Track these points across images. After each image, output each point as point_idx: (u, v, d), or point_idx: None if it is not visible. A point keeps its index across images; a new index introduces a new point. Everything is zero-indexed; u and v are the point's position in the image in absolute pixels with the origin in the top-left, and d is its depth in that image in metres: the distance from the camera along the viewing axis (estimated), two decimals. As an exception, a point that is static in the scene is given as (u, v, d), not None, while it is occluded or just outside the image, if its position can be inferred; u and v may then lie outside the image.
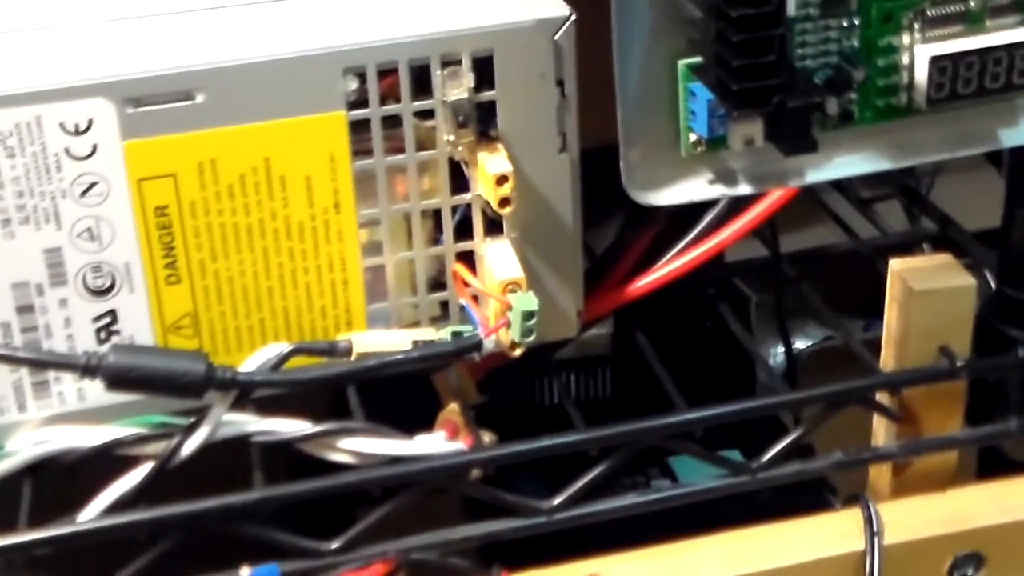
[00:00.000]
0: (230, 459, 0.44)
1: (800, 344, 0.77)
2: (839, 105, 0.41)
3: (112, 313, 0.44)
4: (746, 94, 0.38)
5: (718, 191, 0.43)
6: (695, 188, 0.43)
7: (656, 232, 0.53)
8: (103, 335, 0.45)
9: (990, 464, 0.53)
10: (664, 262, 0.52)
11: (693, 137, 0.42)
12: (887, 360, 0.49)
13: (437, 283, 0.48)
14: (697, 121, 0.41)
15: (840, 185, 0.62)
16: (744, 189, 0.43)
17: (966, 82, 0.40)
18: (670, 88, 0.41)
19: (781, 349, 0.76)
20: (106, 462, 0.44)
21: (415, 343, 0.45)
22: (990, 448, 0.52)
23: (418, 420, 0.48)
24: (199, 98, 0.43)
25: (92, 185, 0.43)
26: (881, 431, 0.50)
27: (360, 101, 0.44)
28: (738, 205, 0.52)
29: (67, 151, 0.42)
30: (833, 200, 0.62)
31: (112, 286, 0.44)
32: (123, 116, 0.42)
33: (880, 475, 0.51)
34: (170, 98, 0.42)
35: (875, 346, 0.75)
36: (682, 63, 0.41)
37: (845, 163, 0.43)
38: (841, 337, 0.52)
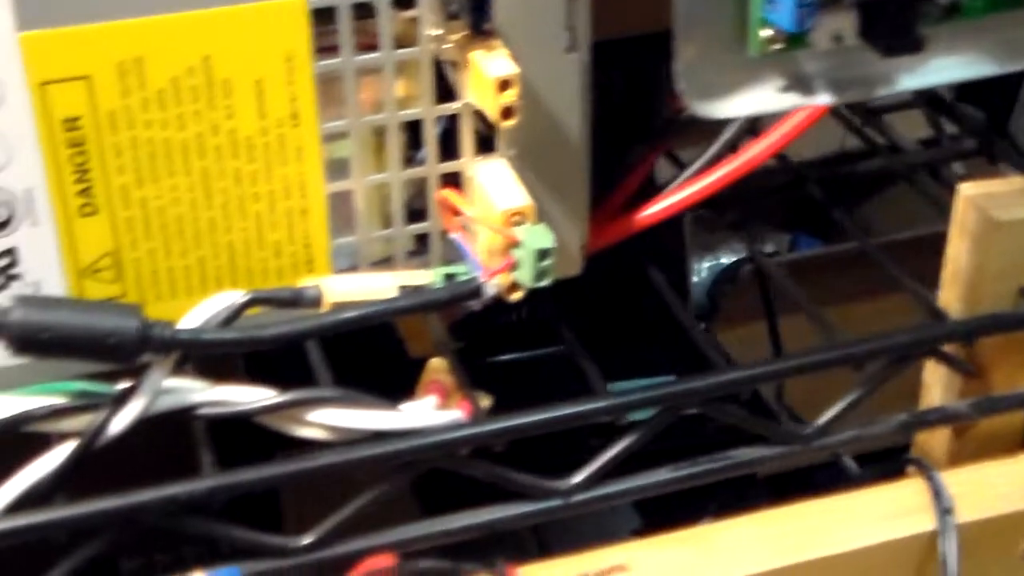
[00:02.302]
0: (171, 437, 0.36)
1: (725, 259, 0.75)
2: (951, -8, 0.34)
3: (10, 253, 0.38)
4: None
5: (791, 101, 0.36)
6: (764, 97, 0.37)
7: (663, 152, 0.46)
8: (0, 280, 0.38)
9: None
10: (676, 187, 0.45)
11: (767, 32, 0.36)
12: (950, 302, 0.43)
13: (412, 212, 0.42)
14: (778, 10, 0.34)
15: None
16: (823, 98, 0.37)
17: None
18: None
19: (705, 264, 0.75)
20: (10, 442, 0.36)
21: (401, 289, 0.37)
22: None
23: (375, 373, 0.40)
24: (120, -23, 0.36)
25: None
26: (937, 387, 0.44)
27: (325, -17, 0.38)
28: (758, 122, 0.45)
29: (-56, 44, 0.36)
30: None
31: (10, 219, 0.38)
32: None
33: (933, 438, 0.44)
34: (82, -24, 0.35)
35: (802, 265, 0.71)
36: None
37: (944, 66, 0.38)
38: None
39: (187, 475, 0.36)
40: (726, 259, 0.74)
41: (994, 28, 0.38)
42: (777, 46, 0.36)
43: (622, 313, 0.56)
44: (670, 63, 0.36)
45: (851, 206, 0.68)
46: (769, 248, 0.80)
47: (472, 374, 0.41)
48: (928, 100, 0.53)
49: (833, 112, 0.55)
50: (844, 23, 0.35)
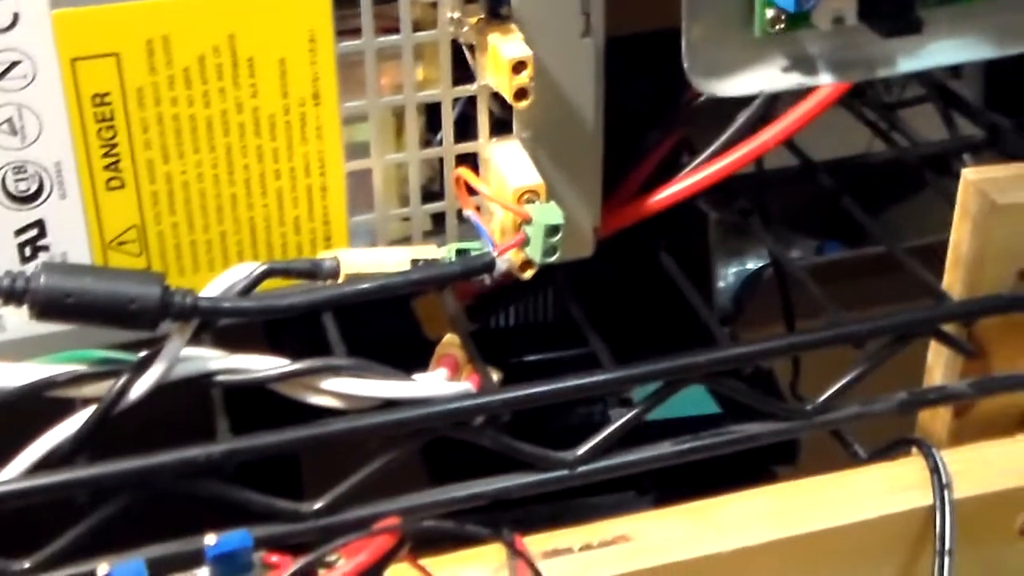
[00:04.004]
0: (189, 403, 0.37)
1: (751, 265, 0.75)
2: (949, -26, 0.35)
3: (39, 224, 0.39)
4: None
5: (794, 80, 0.37)
6: (767, 76, 0.37)
7: (679, 137, 0.46)
8: (28, 251, 0.39)
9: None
10: (691, 170, 0.46)
11: (771, 12, 0.36)
12: (952, 285, 0.43)
13: (429, 192, 0.43)
14: None
15: (858, 86, 0.56)
16: (825, 78, 0.38)
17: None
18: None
19: (732, 270, 0.75)
20: (34, 407, 0.37)
21: (414, 262, 0.38)
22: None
23: (391, 352, 0.41)
24: (149, -43, 0.36)
25: (13, 64, 0.37)
26: (939, 367, 0.44)
27: (348, -33, 0.38)
28: (772, 106, 0.45)
29: (-20, 22, 0.37)
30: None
31: (39, 191, 0.38)
32: None
33: (935, 418, 0.45)
34: (112, -44, 0.36)
35: (826, 270, 0.71)
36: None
37: (944, 49, 0.38)
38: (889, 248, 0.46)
39: (200, 440, 0.37)
40: (752, 264, 0.75)
41: (993, 11, 0.38)
42: (780, 26, 0.37)
43: (645, 316, 0.56)
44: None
45: (879, 212, 0.69)
46: (796, 254, 0.81)
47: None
48: (940, 94, 0.54)
49: (849, 107, 0.55)
50: (845, 4, 0.36)
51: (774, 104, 0.46)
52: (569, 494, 0.43)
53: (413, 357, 0.42)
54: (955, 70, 0.74)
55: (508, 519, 0.39)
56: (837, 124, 0.56)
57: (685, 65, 0.36)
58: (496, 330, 0.60)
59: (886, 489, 0.42)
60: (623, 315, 0.58)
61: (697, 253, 0.57)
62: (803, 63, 0.37)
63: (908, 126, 0.54)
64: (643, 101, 0.49)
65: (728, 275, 0.76)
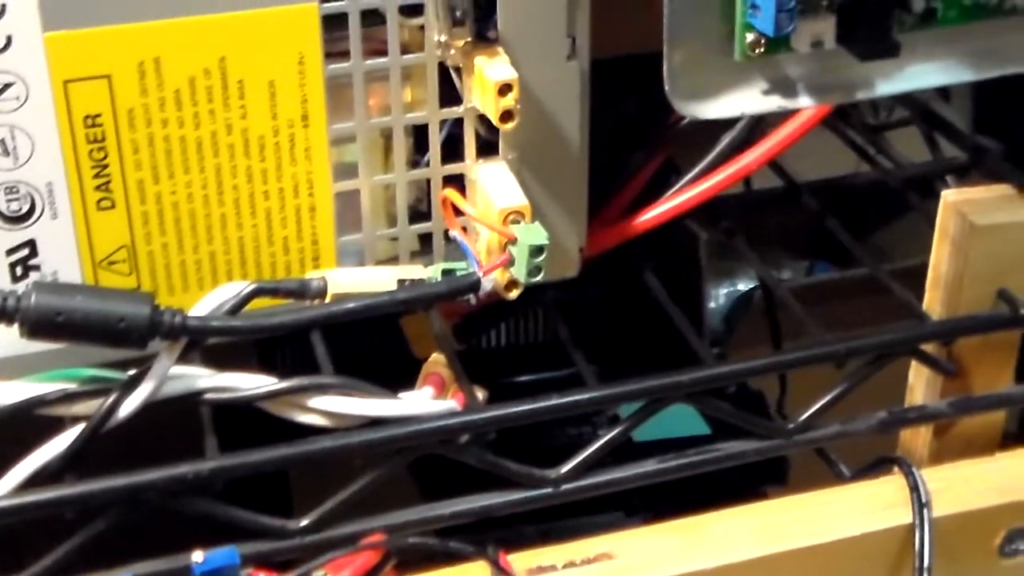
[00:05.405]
0: (176, 422, 0.37)
1: (742, 286, 0.74)
2: (925, 0, 0.35)
3: (30, 244, 0.39)
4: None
5: (774, 103, 0.37)
6: (748, 99, 0.38)
7: (664, 158, 0.47)
8: (19, 271, 0.39)
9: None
10: (675, 191, 0.46)
11: (751, 37, 0.37)
12: (932, 305, 0.44)
13: (416, 213, 0.43)
14: (761, 16, 0.35)
15: (842, 108, 0.56)
16: (804, 101, 0.38)
17: (1074, -24, 0.35)
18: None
19: (723, 291, 0.74)
20: (24, 425, 0.37)
21: (401, 282, 0.38)
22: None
23: (380, 371, 0.41)
24: (140, -19, 0.37)
25: (6, 87, 0.37)
26: (920, 387, 0.45)
27: (336, -9, 0.39)
28: (757, 129, 0.46)
29: (-27, 44, 0.37)
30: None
31: (31, 211, 0.39)
32: (44, 1, 0.37)
33: (916, 437, 0.45)
34: (104, -20, 0.37)
35: (813, 291, 0.72)
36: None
37: (921, 72, 0.39)
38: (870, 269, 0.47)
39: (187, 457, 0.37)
40: (743, 286, 0.75)
41: (969, 37, 0.39)
42: (760, 50, 0.37)
43: (636, 336, 0.57)
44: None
45: (870, 233, 0.70)
46: (786, 275, 0.81)
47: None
48: (924, 117, 0.54)
49: (834, 129, 0.56)
50: (823, 28, 0.36)
51: (758, 126, 0.47)
52: (559, 515, 0.43)
53: (402, 376, 0.42)
54: (944, 93, 0.74)
55: (494, 537, 0.39)
56: (828, 145, 0.57)
57: (667, 88, 0.36)
58: (489, 350, 0.60)
59: (867, 507, 0.42)
60: (615, 335, 0.59)
61: (688, 274, 0.57)
62: (783, 86, 0.38)
63: (893, 148, 0.55)
64: (630, 122, 0.50)
65: (719, 296, 0.76)
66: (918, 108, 0.54)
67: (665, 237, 0.50)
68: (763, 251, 0.75)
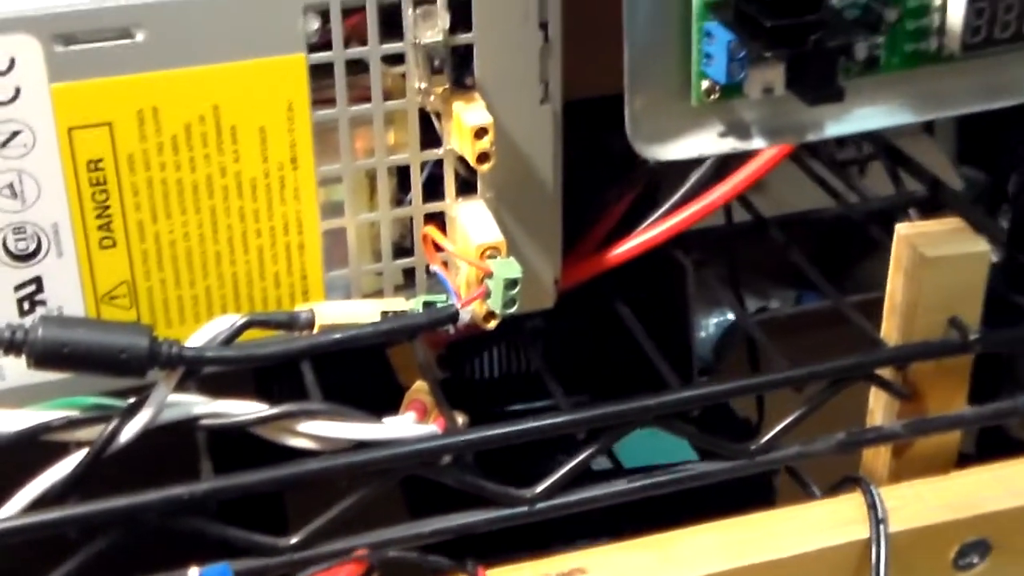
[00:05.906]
0: (173, 447, 0.39)
1: (732, 316, 0.76)
2: (867, 49, 0.37)
3: (37, 281, 0.41)
4: (779, 33, 0.34)
5: (729, 145, 0.39)
6: (705, 141, 0.40)
7: (636, 194, 0.49)
8: (26, 305, 0.41)
9: (986, 444, 0.50)
10: (647, 226, 0.49)
11: (706, 84, 0.39)
12: (890, 333, 0.46)
13: (400, 249, 0.45)
14: (714, 65, 0.37)
15: (812, 145, 0.59)
16: (758, 143, 0.40)
17: (1004, 26, 0.37)
18: (682, 28, 0.38)
19: (713, 320, 0.76)
20: (30, 450, 0.39)
21: (384, 314, 0.40)
22: (990, 428, 0.49)
23: (368, 399, 0.43)
24: (139, 36, 0.39)
25: (15, 134, 0.39)
26: (879, 410, 0.47)
27: (322, 43, 0.41)
28: (725, 166, 0.48)
29: (-15, 95, 0.39)
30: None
31: (37, 250, 0.41)
32: (51, 55, 0.39)
33: (877, 457, 0.48)
34: (105, 35, 0.39)
35: (797, 321, 0.74)
36: (698, 0, 0.37)
37: (867, 115, 0.40)
38: (833, 301, 0.48)
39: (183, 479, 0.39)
40: (733, 315, 0.76)
41: (911, 81, 0.41)
42: (715, 96, 0.39)
43: (616, 366, 0.58)
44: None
45: (853, 265, 0.71)
46: (774, 304, 0.83)
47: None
48: (887, 153, 0.57)
49: (800, 164, 0.58)
50: (773, 76, 0.38)
51: (726, 163, 0.49)
52: (544, 538, 0.45)
53: (389, 403, 0.44)
54: (928, 127, 0.76)
55: (474, 553, 0.42)
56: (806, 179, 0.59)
57: (628, 133, 0.38)
58: (484, 380, 0.62)
59: (828, 523, 0.44)
60: (600, 364, 0.61)
61: (676, 304, 0.59)
62: (738, 129, 0.40)
63: (858, 182, 0.57)
64: (605, 160, 0.52)
65: (710, 325, 0.78)
66: (880, 144, 0.56)
67: (653, 268, 0.52)
68: (754, 282, 0.77)
